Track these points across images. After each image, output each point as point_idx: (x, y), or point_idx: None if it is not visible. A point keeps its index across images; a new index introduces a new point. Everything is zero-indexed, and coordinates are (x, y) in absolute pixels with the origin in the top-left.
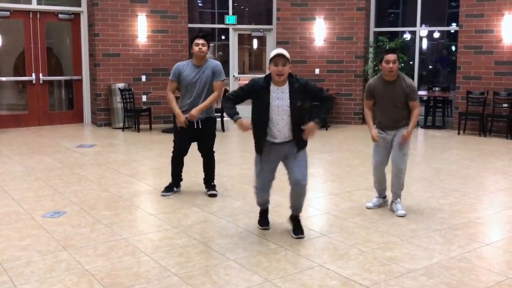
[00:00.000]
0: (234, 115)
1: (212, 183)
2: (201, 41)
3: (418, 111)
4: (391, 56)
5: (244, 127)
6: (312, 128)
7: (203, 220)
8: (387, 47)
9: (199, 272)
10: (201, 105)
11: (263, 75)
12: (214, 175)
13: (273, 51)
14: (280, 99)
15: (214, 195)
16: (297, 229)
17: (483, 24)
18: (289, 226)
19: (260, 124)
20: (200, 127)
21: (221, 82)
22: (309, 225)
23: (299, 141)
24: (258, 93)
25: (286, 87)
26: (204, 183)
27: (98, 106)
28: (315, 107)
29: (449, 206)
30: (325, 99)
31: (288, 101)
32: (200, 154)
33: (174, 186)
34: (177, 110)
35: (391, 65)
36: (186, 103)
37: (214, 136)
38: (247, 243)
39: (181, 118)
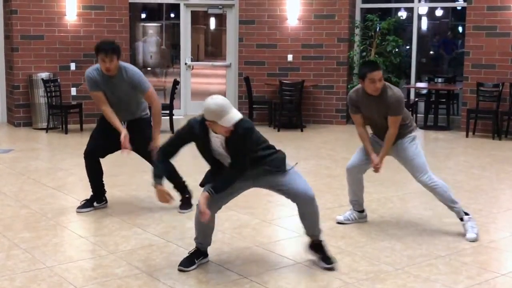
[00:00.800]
0: (154, 177)
1: (186, 195)
2: (108, 57)
3: (394, 131)
4: (377, 74)
5: (161, 197)
6: (204, 200)
7: (147, 244)
8: (368, 60)
9: None
10: (156, 128)
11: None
12: (181, 182)
13: (211, 107)
14: (220, 148)
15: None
16: (327, 258)
17: None
18: (311, 257)
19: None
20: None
21: (148, 92)
22: (280, 250)
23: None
24: (196, 140)
25: (223, 136)
26: (178, 192)
27: (16, 101)
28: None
29: (456, 226)
30: (232, 170)
31: (225, 151)
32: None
33: (94, 200)
34: (118, 124)
35: (377, 84)
36: (115, 113)
37: (149, 137)
38: (202, 272)
39: (123, 132)
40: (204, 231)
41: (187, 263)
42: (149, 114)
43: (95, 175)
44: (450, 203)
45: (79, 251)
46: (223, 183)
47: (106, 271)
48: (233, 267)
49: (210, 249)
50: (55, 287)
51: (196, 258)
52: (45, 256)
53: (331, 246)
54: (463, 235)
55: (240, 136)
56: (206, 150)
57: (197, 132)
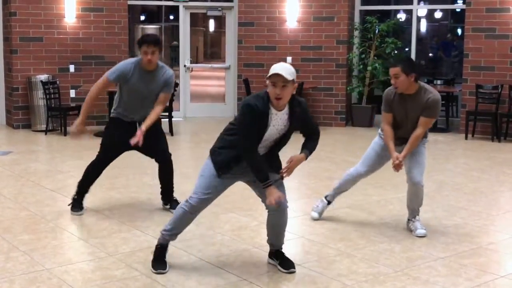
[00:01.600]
0: (264, 180)
1: (174, 198)
2: (150, 48)
3: (422, 132)
4: (391, 71)
5: (276, 195)
6: (299, 161)
7: (146, 247)
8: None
9: None
10: (147, 123)
11: (256, 94)
12: (173, 187)
13: (273, 66)
14: (275, 125)
15: None
16: (286, 262)
17: (497, 1)
18: (272, 262)
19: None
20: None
21: (169, 94)
22: None
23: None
24: (261, 116)
25: (285, 112)
26: (163, 197)
27: (15, 104)
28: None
29: (455, 228)
30: (315, 137)
31: (286, 128)
32: (157, 162)
33: (81, 199)
34: (84, 115)
35: (392, 81)
36: (131, 112)
37: (164, 136)
38: (201, 274)
39: (78, 126)
40: (183, 227)
41: (163, 265)
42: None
43: (94, 179)
44: (418, 206)
45: (78, 253)
46: (314, 147)
47: (105, 273)
48: (232, 269)
49: (209, 251)
50: None
51: (164, 257)
52: (44, 258)
53: (330, 248)
54: (461, 236)
55: (302, 112)
56: (261, 129)
57: (259, 107)
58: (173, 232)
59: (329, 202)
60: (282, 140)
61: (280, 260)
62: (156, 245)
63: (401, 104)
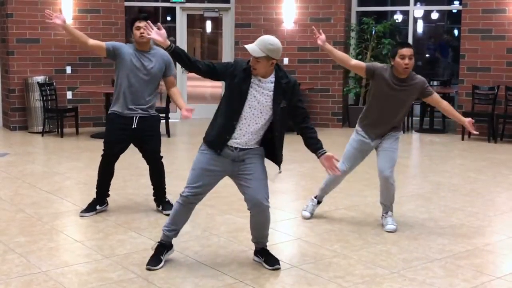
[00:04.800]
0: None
1: (166, 199)
2: (142, 23)
3: (446, 102)
4: (407, 51)
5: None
6: (329, 159)
7: (143, 249)
8: (401, 42)
9: None
10: (182, 103)
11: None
12: (165, 188)
13: (279, 44)
14: (260, 94)
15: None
16: (271, 260)
17: (493, 2)
18: (257, 259)
19: (228, 117)
20: (136, 126)
21: (173, 77)
22: (276, 254)
23: (277, 157)
24: (236, 76)
25: (270, 80)
26: (155, 199)
27: (12, 105)
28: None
29: (451, 229)
30: (310, 127)
31: (271, 99)
32: (146, 162)
33: (97, 203)
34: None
35: (406, 60)
36: (133, 100)
37: (159, 136)
38: (198, 276)
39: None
40: (181, 222)
41: (154, 262)
42: (156, 112)
43: (108, 178)
44: (390, 202)
45: (75, 255)
46: (316, 138)
47: (102, 276)
48: (229, 271)
49: (206, 253)
50: None
51: (161, 254)
52: (41, 261)
53: (327, 250)
54: (457, 237)
55: (289, 83)
56: (241, 92)
57: (240, 68)
58: (171, 227)
59: (319, 202)
60: (278, 116)
61: (265, 258)
62: (157, 242)
63: (393, 90)
